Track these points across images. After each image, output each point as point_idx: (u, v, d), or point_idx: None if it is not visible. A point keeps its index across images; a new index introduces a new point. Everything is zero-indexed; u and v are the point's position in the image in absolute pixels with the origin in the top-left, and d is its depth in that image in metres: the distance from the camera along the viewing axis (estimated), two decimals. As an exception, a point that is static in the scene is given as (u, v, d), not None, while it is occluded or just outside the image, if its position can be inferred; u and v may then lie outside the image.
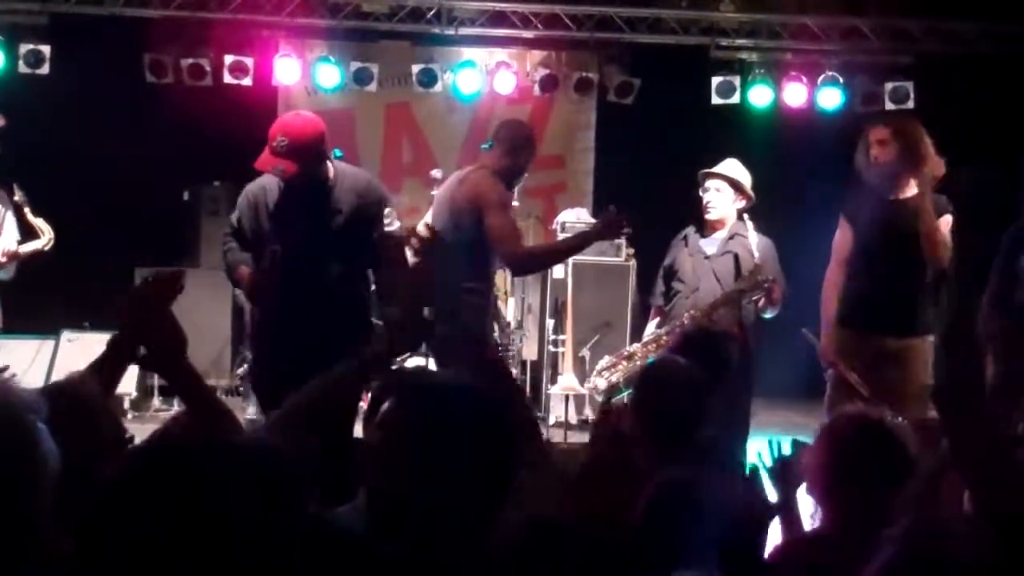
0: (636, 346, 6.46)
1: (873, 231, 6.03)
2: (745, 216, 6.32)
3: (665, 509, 2.75)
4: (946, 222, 5.91)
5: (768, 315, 6.20)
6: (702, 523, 2.64)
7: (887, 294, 5.94)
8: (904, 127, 6.08)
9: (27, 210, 7.34)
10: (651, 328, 6.47)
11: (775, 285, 6.06)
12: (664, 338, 6.12)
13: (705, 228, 6.34)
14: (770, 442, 3.76)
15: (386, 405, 2.42)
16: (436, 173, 7.73)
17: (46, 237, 7.38)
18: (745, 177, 6.41)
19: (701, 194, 6.32)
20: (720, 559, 2.54)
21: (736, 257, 6.18)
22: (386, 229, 5.33)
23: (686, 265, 6.29)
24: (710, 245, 6.29)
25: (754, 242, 6.11)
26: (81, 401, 3.17)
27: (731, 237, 6.27)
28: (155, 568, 1.88)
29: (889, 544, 2.18)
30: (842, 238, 6.17)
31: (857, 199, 6.13)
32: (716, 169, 6.39)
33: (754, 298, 6.12)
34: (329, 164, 5.30)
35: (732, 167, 6.44)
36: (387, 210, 5.38)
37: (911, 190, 5.98)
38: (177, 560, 1.87)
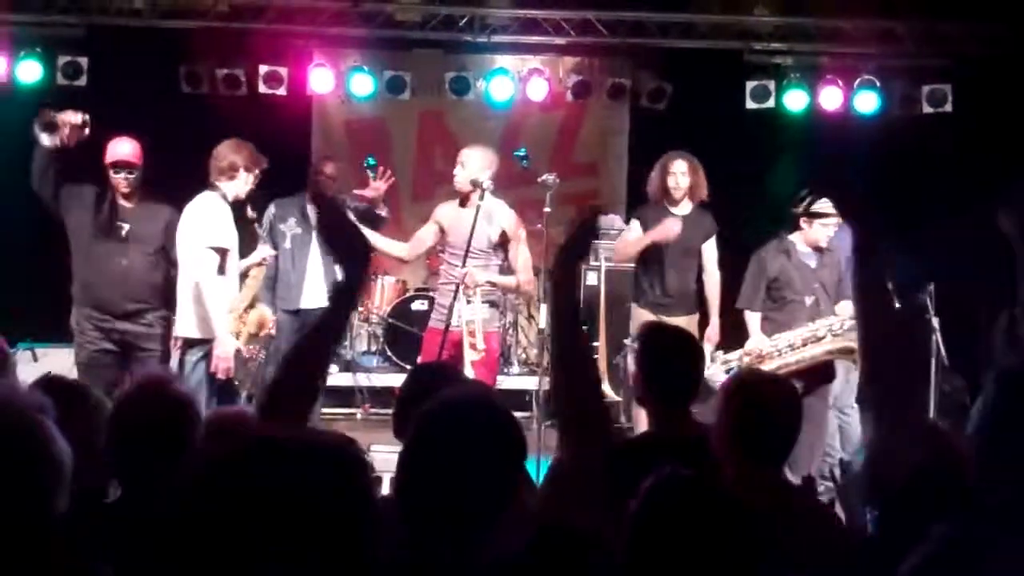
0: (766, 345, 6.90)
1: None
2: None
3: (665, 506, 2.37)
4: (711, 244, 7.66)
5: None
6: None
7: (678, 283, 7.65)
8: (696, 166, 7.60)
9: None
10: (759, 334, 6.99)
11: None
12: (802, 343, 6.80)
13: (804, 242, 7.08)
14: None
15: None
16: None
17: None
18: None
19: (803, 224, 6.96)
20: None
21: (839, 267, 6.94)
22: None
23: (794, 277, 7.01)
24: (810, 258, 7.05)
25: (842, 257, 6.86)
26: (77, 392, 3.21)
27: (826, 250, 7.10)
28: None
29: None
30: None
31: (646, 210, 7.71)
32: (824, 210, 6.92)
33: None
34: None
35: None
36: None
37: (688, 207, 7.62)
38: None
